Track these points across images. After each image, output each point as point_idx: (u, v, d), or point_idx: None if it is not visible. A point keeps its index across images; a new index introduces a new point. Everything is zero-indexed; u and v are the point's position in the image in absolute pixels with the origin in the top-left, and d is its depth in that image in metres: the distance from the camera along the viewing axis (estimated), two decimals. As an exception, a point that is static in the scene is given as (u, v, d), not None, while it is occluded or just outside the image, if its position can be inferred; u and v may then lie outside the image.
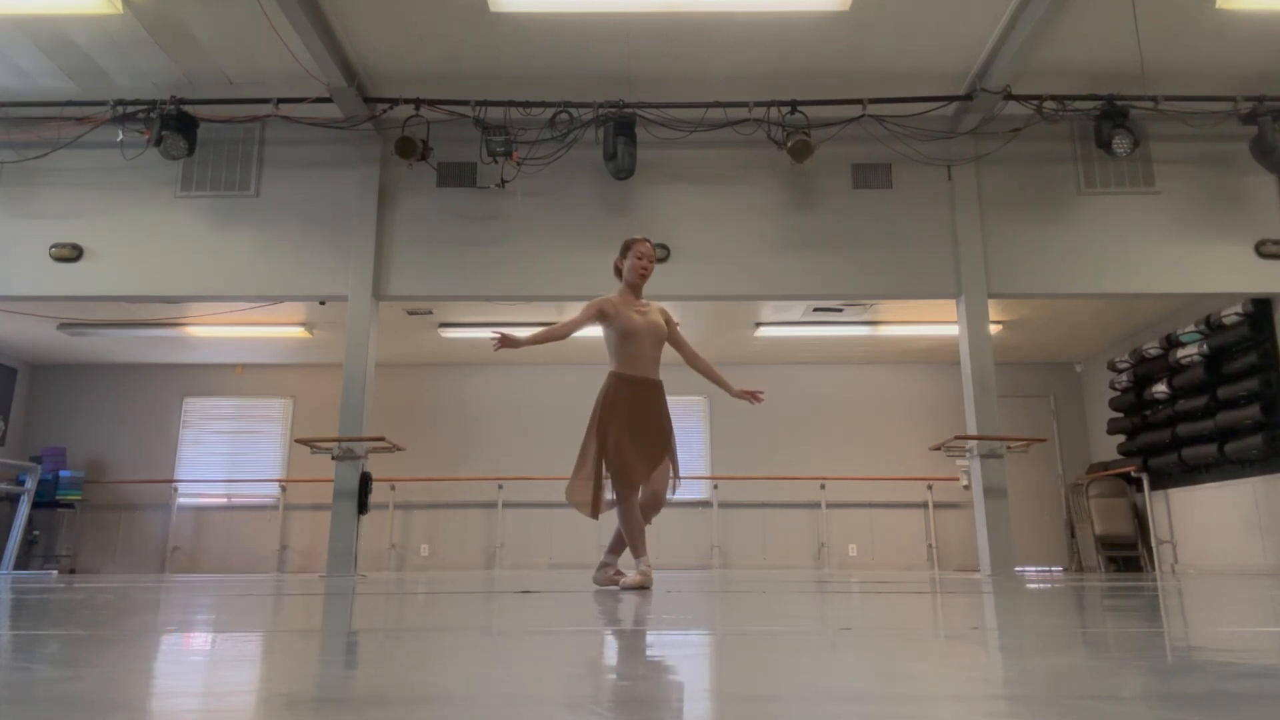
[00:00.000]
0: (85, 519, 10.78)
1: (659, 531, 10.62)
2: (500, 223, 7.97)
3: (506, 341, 4.17)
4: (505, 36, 6.98)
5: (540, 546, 10.67)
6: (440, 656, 1.44)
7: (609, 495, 4.25)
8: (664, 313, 4.54)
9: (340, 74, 7.10)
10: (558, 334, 4.26)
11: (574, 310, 8.90)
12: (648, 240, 4.50)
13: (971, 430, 7.58)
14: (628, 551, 4.36)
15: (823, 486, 10.74)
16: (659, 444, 4.29)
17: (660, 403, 4.35)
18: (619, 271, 4.52)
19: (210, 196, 8.01)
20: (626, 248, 4.47)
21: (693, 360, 4.59)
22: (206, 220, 7.95)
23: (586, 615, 2.44)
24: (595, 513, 4.23)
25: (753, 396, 4.63)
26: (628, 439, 4.21)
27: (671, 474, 4.36)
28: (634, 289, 4.47)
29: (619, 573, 4.38)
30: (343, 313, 8.75)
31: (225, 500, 10.88)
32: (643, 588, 4.11)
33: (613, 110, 7.51)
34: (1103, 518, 9.82)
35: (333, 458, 7.42)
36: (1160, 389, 8.99)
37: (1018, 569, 10.40)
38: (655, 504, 4.31)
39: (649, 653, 1.52)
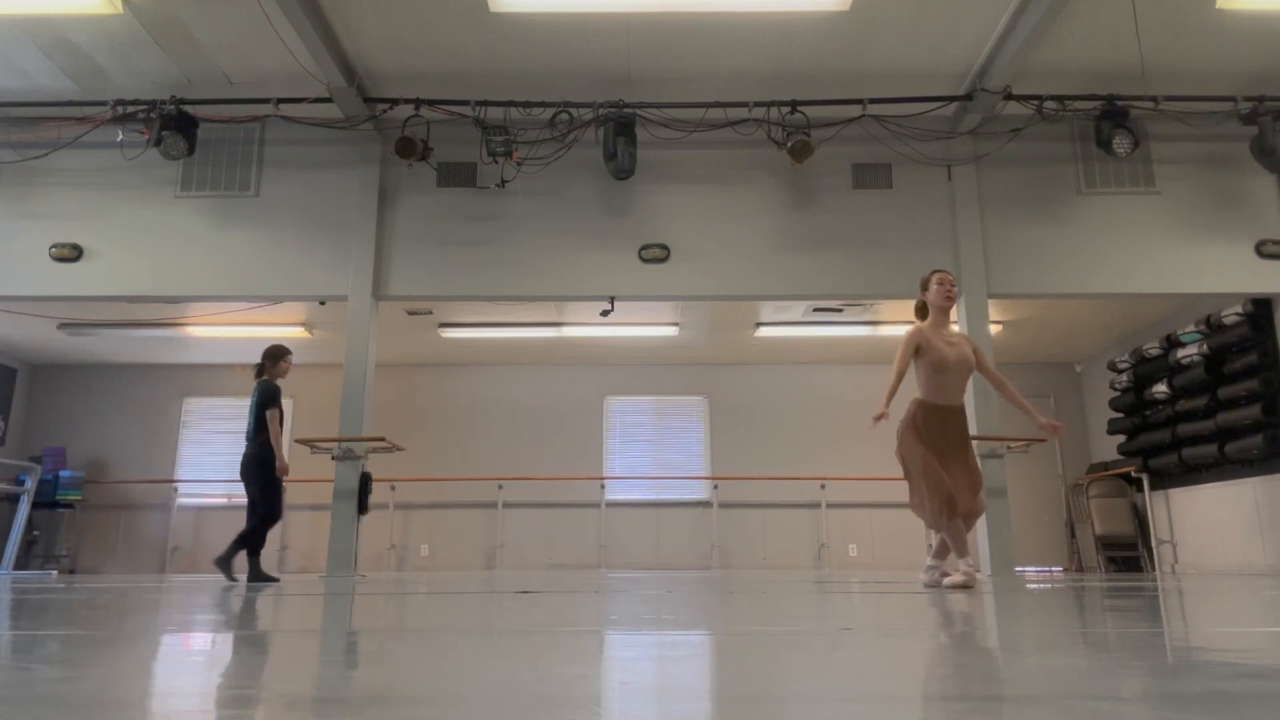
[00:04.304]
0: (85, 519, 10.78)
1: (659, 532, 10.63)
2: (500, 223, 7.96)
3: (883, 416, 4.48)
4: (505, 36, 6.98)
5: (540, 546, 10.67)
6: (440, 656, 1.44)
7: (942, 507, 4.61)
8: (970, 342, 4.78)
9: (340, 74, 7.10)
10: (895, 383, 4.58)
11: (575, 310, 8.91)
12: (945, 269, 4.80)
13: (971, 430, 7.58)
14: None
15: (823, 486, 10.74)
16: (968, 465, 4.62)
17: (964, 425, 4.68)
18: (920, 310, 4.84)
19: (210, 196, 8.01)
20: (926, 281, 4.77)
21: (1000, 387, 4.80)
22: (206, 220, 7.95)
23: (586, 616, 2.44)
24: (940, 526, 4.58)
25: (1055, 429, 4.73)
26: (937, 464, 4.54)
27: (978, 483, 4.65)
28: (942, 313, 4.73)
29: (944, 574, 4.72)
30: (343, 313, 8.75)
31: (225, 500, 10.88)
32: (966, 586, 4.36)
33: (613, 110, 7.50)
34: (1103, 518, 9.82)
35: (333, 458, 7.42)
36: (1160, 389, 8.99)
37: (1018, 569, 10.40)
38: (975, 514, 4.61)
39: (649, 653, 1.52)
